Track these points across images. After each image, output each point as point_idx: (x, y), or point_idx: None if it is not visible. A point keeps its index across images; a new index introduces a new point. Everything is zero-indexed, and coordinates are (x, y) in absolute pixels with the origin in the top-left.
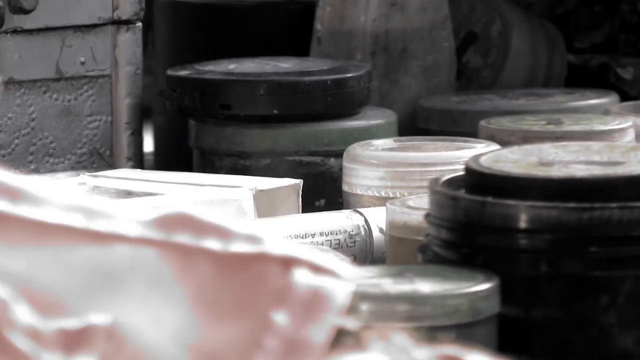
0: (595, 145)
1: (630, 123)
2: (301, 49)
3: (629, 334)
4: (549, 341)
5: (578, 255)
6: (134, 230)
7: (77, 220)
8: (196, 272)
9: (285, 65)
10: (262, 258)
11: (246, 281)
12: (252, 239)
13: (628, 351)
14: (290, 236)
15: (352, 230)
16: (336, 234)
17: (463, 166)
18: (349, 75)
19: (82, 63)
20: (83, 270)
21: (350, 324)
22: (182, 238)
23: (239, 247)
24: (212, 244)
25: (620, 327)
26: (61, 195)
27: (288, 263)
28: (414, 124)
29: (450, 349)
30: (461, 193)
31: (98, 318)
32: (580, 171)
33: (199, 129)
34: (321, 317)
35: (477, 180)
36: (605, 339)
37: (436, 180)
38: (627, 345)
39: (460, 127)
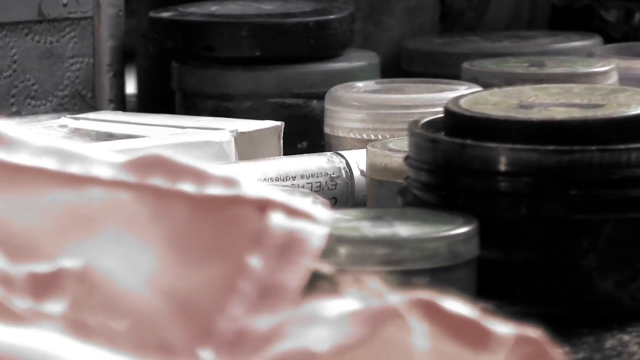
0: (575, 87)
1: (613, 66)
2: None
3: (609, 278)
4: (528, 285)
5: (558, 198)
6: (108, 173)
7: (50, 164)
8: (171, 215)
9: (267, 7)
10: (237, 201)
11: (221, 224)
12: (228, 182)
13: (608, 295)
14: (271, 179)
15: (333, 172)
16: (317, 177)
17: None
18: (332, 17)
19: (65, 5)
20: (56, 213)
21: (326, 268)
22: (157, 181)
23: (214, 189)
24: (187, 186)
25: (600, 270)
26: (34, 138)
27: (263, 206)
28: (397, 66)
29: (425, 294)
30: (441, 135)
31: (69, 262)
32: (560, 114)
33: (181, 71)
34: (296, 260)
35: (456, 122)
36: (585, 282)
37: (416, 122)
38: (607, 289)
39: (443, 69)
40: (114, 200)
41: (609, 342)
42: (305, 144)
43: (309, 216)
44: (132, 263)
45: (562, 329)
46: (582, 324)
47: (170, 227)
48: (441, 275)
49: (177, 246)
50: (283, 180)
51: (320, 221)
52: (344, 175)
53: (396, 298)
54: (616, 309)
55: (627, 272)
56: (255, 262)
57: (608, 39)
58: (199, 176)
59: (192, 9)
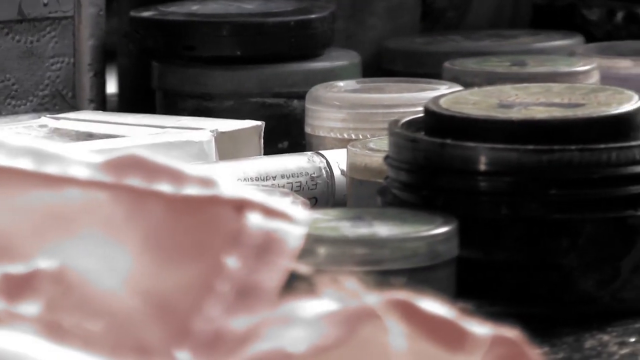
0: (556, 87)
1: (595, 65)
2: None
3: (590, 277)
4: (508, 285)
5: (538, 197)
6: (85, 173)
7: (26, 164)
8: (148, 215)
9: (248, 6)
10: (214, 201)
11: (198, 224)
12: (205, 182)
13: (588, 294)
14: (251, 178)
15: (313, 172)
16: (297, 177)
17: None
18: (313, 16)
19: (45, 4)
20: (33, 214)
21: (303, 268)
22: (134, 181)
23: (191, 190)
24: (164, 186)
25: (580, 270)
26: (10, 139)
27: (241, 206)
28: (379, 65)
29: (402, 294)
30: (420, 135)
31: (45, 263)
32: (540, 113)
33: (162, 70)
34: (273, 261)
35: (436, 122)
36: (565, 282)
37: (395, 122)
38: (588, 289)
39: (424, 68)
40: (91, 200)
41: (589, 342)
42: (286, 143)
43: (286, 216)
44: (109, 263)
45: (542, 328)
46: (562, 324)
47: (148, 227)
48: (421, 275)
49: (154, 246)
50: (263, 180)
51: (298, 221)
52: (325, 175)
53: (373, 298)
54: (596, 308)
55: (607, 272)
56: (232, 262)
57: (590, 38)
58: (176, 176)
59: (173, 8)
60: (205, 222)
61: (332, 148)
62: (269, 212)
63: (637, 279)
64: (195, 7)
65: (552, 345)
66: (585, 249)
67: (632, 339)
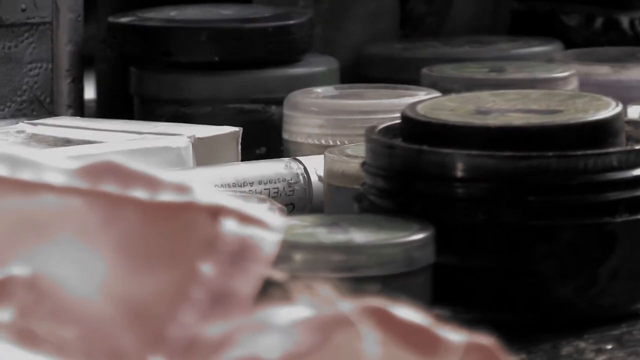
0: (533, 93)
1: (573, 71)
2: None
3: (567, 284)
4: (485, 291)
5: (515, 204)
6: (60, 179)
7: (1, 170)
8: (123, 222)
9: (227, 12)
10: (189, 207)
11: (173, 231)
12: (180, 189)
13: (566, 301)
14: (228, 184)
15: (290, 178)
16: (275, 183)
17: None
18: (291, 22)
19: (23, 10)
20: (7, 220)
21: (278, 275)
22: (109, 187)
23: (167, 196)
24: (140, 193)
25: (558, 277)
26: None
27: (216, 213)
28: (358, 71)
29: (376, 301)
30: (397, 141)
31: (19, 269)
32: (518, 119)
33: (140, 76)
34: (248, 267)
35: (413, 128)
36: (542, 289)
37: (373, 128)
38: (565, 295)
39: (403, 74)
40: (66, 206)
41: (565, 349)
42: (264, 149)
43: (262, 223)
44: (84, 270)
45: (518, 335)
46: (539, 331)
47: (123, 233)
48: (397, 281)
49: (129, 253)
50: (241, 186)
51: (273, 228)
52: (302, 181)
53: (347, 305)
54: (573, 315)
55: (584, 279)
56: (207, 268)
57: (569, 45)
58: (152, 182)
59: (151, 14)
60: (180, 228)
61: (309, 154)
62: (244, 218)
63: (615, 285)
64: (173, 13)
65: (528, 352)
66: (563, 255)
67: (609, 346)
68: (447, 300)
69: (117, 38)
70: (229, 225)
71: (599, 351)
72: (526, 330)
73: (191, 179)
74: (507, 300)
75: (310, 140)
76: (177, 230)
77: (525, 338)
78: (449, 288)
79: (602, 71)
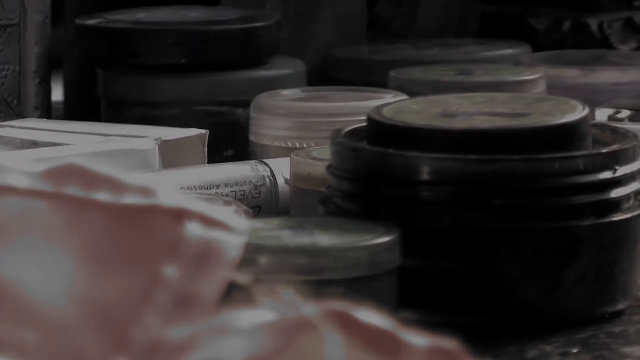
0: (500, 96)
1: (541, 74)
2: None
3: (533, 288)
4: (451, 295)
5: (481, 207)
6: (24, 182)
7: None
8: (87, 225)
9: (194, 14)
10: (153, 210)
11: (137, 234)
12: (144, 191)
13: (532, 305)
14: (195, 187)
15: (257, 181)
16: (241, 185)
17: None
18: (258, 24)
19: None
20: None
21: (243, 278)
22: (73, 190)
23: (131, 199)
24: (104, 196)
25: (523, 280)
26: None
27: (180, 216)
28: (326, 74)
29: (340, 305)
30: (363, 144)
31: None
32: (484, 123)
33: (107, 78)
34: (212, 271)
35: (379, 131)
36: (508, 292)
37: (338, 131)
38: (531, 299)
39: (371, 77)
40: (31, 209)
41: (531, 353)
42: (231, 152)
43: (226, 226)
44: (48, 273)
45: (484, 339)
46: (505, 335)
47: (87, 236)
48: (362, 285)
49: (93, 256)
50: (207, 188)
51: (238, 231)
52: (269, 184)
53: (311, 309)
54: (539, 319)
55: (550, 282)
56: (171, 272)
57: (537, 48)
58: (116, 185)
59: (119, 16)
60: (144, 231)
61: (276, 157)
62: (209, 221)
63: (581, 289)
64: (140, 15)
65: (494, 356)
66: (529, 259)
67: (575, 350)
68: (412, 303)
69: (84, 40)
70: (193, 229)
71: (565, 355)
72: (492, 333)
73: (157, 181)
74: (472, 304)
75: (277, 143)
76: (141, 233)
77: (491, 342)
78: (415, 291)
79: (571, 74)
